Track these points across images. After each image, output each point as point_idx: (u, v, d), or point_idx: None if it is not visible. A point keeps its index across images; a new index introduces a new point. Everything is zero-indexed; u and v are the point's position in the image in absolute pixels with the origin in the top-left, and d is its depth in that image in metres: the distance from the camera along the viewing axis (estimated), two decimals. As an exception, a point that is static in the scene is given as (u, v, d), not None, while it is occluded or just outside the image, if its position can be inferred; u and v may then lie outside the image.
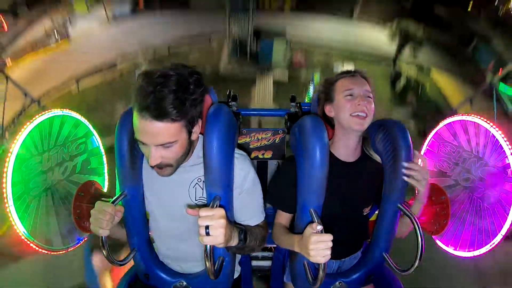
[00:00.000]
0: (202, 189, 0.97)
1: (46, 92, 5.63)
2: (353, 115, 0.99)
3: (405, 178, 0.99)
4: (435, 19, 9.45)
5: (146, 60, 7.20)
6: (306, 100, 5.74)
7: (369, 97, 1.01)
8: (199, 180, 0.97)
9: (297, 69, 7.34)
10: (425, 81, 7.04)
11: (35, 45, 7.93)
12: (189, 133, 0.87)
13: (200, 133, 0.94)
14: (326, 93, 1.08)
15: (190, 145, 0.91)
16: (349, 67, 5.90)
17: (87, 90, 6.20)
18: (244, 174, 0.97)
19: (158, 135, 0.81)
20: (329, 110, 1.07)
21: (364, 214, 1.10)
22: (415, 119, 5.52)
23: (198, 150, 0.97)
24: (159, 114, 0.78)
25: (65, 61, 7.02)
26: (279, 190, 1.09)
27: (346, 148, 1.06)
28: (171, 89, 0.78)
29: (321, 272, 0.86)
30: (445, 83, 7.02)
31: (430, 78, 7.24)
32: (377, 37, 8.72)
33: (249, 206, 1.00)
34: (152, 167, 0.88)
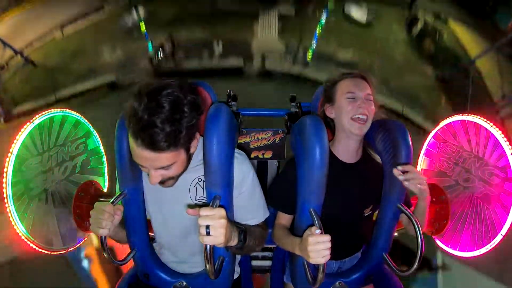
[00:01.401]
0: (203, 188, 0.97)
1: (29, 43, 5.23)
2: (353, 118, 1.00)
3: (406, 184, 0.98)
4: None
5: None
6: (309, 56, 5.53)
7: (370, 100, 1.02)
8: (199, 180, 0.97)
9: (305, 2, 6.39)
10: (442, 29, 6.51)
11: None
12: (187, 149, 0.87)
13: (200, 135, 0.94)
14: (327, 94, 1.09)
15: (190, 158, 0.91)
16: (361, 9, 5.67)
17: (72, 36, 5.74)
18: (243, 174, 0.96)
19: (155, 161, 0.81)
20: (330, 112, 1.07)
21: (365, 215, 1.10)
22: (432, 66, 5.43)
23: (198, 152, 0.97)
24: (153, 147, 0.77)
25: (48, 11, 6.18)
26: (279, 192, 1.09)
27: (347, 150, 1.06)
28: (164, 118, 0.75)
29: (320, 272, 0.86)
30: (462, 34, 6.41)
31: (447, 26, 6.64)
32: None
33: (249, 206, 1.00)
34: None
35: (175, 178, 0.90)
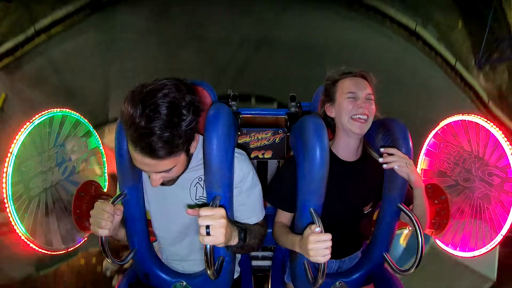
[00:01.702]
0: (203, 188, 0.97)
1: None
2: (354, 117, 1.00)
3: (385, 166, 0.99)
4: None
5: None
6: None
7: (370, 99, 1.02)
8: (200, 179, 0.97)
9: None
10: None
11: None
12: (187, 151, 0.86)
13: (200, 134, 0.94)
14: (328, 93, 1.08)
15: (190, 158, 0.91)
16: None
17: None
18: (243, 173, 0.96)
19: (155, 166, 0.81)
20: (330, 111, 1.07)
21: (365, 212, 1.10)
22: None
23: (198, 151, 0.97)
24: (152, 155, 0.77)
25: None
26: (279, 189, 1.10)
27: (347, 148, 1.07)
28: (162, 125, 0.73)
29: (321, 272, 0.86)
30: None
31: None
32: None
33: (249, 205, 1.00)
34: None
35: (176, 179, 0.91)
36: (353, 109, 1.00)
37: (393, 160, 0.98)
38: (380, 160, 0.99)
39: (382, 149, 1.00)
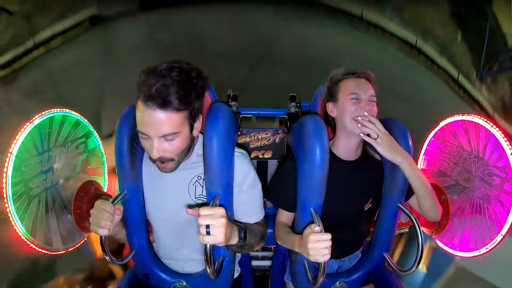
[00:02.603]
0: (202, 186, 0.97)
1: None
2: (356, 118, 1.00)
3: (358, 131, 0.99)
4: None
5: None
6: None
7: (373, 101, 1.02)
8: (199, 177, 0.98)
9: None
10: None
11: None
12: (191, 127, 0.87)
13: (200, 132, 0.94)
14: (330, 92, 1.08)
15: (192, 141, 0.91)
16: None
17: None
18: (244, 172, 0.97)
19: (161, 125, 0.81)
20: (332, 110, 1.07)
21: (366, 209, 1.11)
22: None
23: (198, 148, 0.97)
24: (163, 103, 0.79)
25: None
26: (279, 188, 1.10)
27: (347, 148, 1.07)
28: (174, 79, 0.80)
29: (321, 272, 0.86)
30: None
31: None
32: None
33: (249, 204, 1.00)
34: (154, 161, 0.88)
35: (176, 161, 0.89)
36: (356, 110, 1.01)
37: (368, 126, 0.98)
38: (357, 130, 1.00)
39: (366, 113, 0.99)
